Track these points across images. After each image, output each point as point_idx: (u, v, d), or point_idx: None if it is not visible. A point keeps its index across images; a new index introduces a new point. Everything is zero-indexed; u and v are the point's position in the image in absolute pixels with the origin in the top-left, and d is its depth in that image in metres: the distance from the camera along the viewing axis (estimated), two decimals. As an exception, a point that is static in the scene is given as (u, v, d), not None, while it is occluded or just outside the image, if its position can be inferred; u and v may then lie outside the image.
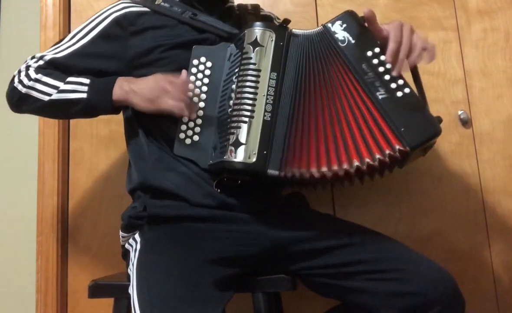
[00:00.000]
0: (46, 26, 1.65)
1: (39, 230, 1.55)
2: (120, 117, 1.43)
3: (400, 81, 1.02)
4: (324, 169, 0.99)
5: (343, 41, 1.06)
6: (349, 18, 1.08)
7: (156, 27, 1.17)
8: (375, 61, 1.04)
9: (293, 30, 1.10)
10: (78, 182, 1.59)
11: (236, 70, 1.08)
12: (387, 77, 1.02)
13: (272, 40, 1.06)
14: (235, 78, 1.07)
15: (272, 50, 1.06)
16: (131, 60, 1.16)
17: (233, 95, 1.07)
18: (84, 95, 1.11)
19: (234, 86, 1.07)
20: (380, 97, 1.01)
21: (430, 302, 0.97)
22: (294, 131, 1.04)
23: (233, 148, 1.01)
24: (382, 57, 1.04)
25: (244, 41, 1.07)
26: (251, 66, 1.05)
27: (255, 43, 1.06)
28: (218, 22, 1.19)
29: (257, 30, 1.07)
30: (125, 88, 1.10)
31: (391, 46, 1.03)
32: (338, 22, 1.08)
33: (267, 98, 1.03)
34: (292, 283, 1.08)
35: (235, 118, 1.03)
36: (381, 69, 1.03)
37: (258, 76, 1.04)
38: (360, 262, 1.03)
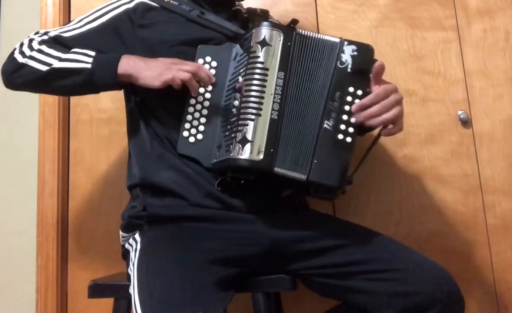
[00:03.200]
0: (46, 26, 1.64)
1: (39, 230, 1.55)
2: (120, 117, 1.43)
3: (350, 129, 1.05)
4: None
5: (342, 63, 1.07)
6: (364, 51, 1.09)
7: (163, 23, 1.18)
8: (349, 98, 1.06)
9: (306, 31, 1.09)
10: (78, 182, 1.59)
11: (242, 70, 1.08)
12: (344, 117, 1.06)
13: (280, 39, 1.06)
14: (242, 77, 1.07)
15: (280, 49, 1.06)
16: (136, 53, 1.15)
17: (237, 93, 1.07)
18: (88, 65, 1.09)
19: (238, 85, 1.07)
20: (324, 125, 1.05)
21: (430, 302, 0.98)
22: (301, 131, 1.05)
23: (240, 145, 1.01)
24: (356, 101, 1.06)
25: (252, 40, 1.07)
26: (259, 65, 1.05)
27: (263, 43, 1.06)
28: (225, 22, 1.20)
29: (265, 29, 1.07)
30: (132, 62, 1.08)
31: (364, 101, 1.05)
32: (353, 47, 1.08)
33: (274, 97, 1.03)
34: (292, 283, 1.08)
35: (242, 116, 1.03)
36: (346, 107, 1.06)
37: (265, 75, 1.04)
38: (360, 262, 1.03)
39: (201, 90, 1.11)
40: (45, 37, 1.16)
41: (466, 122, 1.56)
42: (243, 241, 1.06)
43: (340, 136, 1.05)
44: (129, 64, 1.08)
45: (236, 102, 1.07)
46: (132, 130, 1.22)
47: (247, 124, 1.02)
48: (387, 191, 1.54)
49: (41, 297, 1.51)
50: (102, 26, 1.19)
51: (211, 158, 1.10)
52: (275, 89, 1.04)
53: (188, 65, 1.07)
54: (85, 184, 1.58)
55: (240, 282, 1.06)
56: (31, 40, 1.16)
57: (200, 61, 1.13)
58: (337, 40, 1.09)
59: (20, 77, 1.13)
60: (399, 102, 1.06)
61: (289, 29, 1.08)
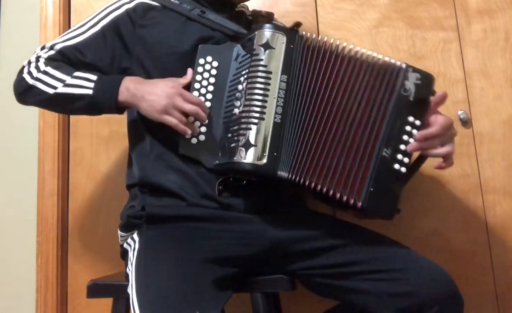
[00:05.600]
0: (46, 26, 1.65)
1: (39, 230, 1.55)
2: (120, 117, 1.42)
3: (406, 160, 1.04)
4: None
5: (406, 91, 1.06)
6: (427, 81, 1.08)
7: (164, 23, 1.18)
8: (408, 128, 1.05)
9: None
10: (78, 182, 1.59)
11: (244, 71, 1.07)
12: (402, 147, 1.04)
13: (283, 42, 1.05)
14: (244, 79, 1.06)
15: (283, 52, 1.05)
16: (137, 54, 1.17)
17: (239, 95, 1.06)
18: (90, 91, 1.11)
19: (240, 86, 1.07)
20: (383, 153, 1.03)
21: (429, 302, 0.97)
22: (306, 136, 1.04)
23: (243, 149, 1.01)
24: (414, 131, 1.05)
25: (254, 42, 1.07)
26: (261, 68, 1.04)
27: (266, 45, 1.05)
28: (226, 21, 1.19)
29: (267, 32, 1.06)
30: (132, 90, 1.09)
31: (427, 133, 1.04)
32: (417, 75, 1.07)
33: (277, 101, 1.03)
34: (290, 283, 1.08)
35: (245, 120, 1.03)
36: (405, 137, 1.05)
37: (269, 78, 1.04)
38: (359, 262, 1.03)
39: (203, 90, 1.11)
40: (51, 53, 1.18)
41: (466, 122, 1.55)
42: (242, 241, 1.06)
43: (397, 166, 1.04)
44: (128, 92, 1.09)
45: (238, 103, 1.06)
46: (132, 130, 1.22)
47: (250, 128, 1.02)
48: (387, 191, 1.53)
49: (41, 297, 1.52)
50: (104, 29, 1.19)
51: (213, 159, 1.09)
52: (278, 92, 1.03)
53: (186, 105, 1.06)
54: (85, 184, 1.59)
55: (238, 282, 1.06)
56: (38, 58, 1.18)
57: (201, 61, 1.13)
58: (403, 65, 1.07)
59: (29, 97, 1.17)
60: (452, 139, 1.07)
61: (292, 31, 1.08)
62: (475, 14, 1.62)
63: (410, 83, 1.06)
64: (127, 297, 0.96)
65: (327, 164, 1.04)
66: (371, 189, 1.02)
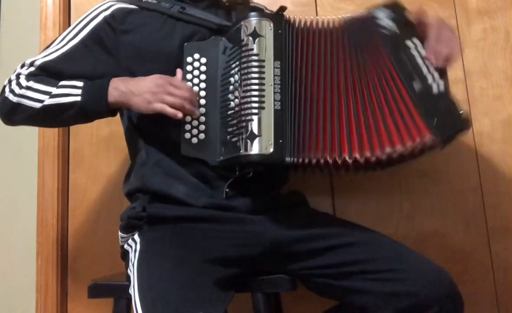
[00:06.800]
0: (46, 26, 1.65)
1: (39, 230, 1.55)
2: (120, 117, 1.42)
3: (436, 76, 1.02)
4: (356, 154, 0.99)
5: (384, 28, 1.07)
6: (397, 7, 1.09)
7: (145, 25, 1.16)
8: (415, 53, 1.04)
9: (316, 18, 1.13)
10: (78, 182, 1.59)
11: (234, 63, 1.07)
12: (424, 70, 1.03)
13: (271, 29, 1.05)
14: (236, 71, 1.06)
15: (272, 39, 1.05)
16: (123, 60, 1.15)
17: (232, 87, 1.06)
18: (78, 98, 1.08)
19: (232, 79, 1.06)
20: (415, 88, 1.01)
21: (428, 302, 0.97)
22: (307, 117, 1.04)
23: (248, 141, 1.00)
24: (422, 51, 1.04)
25: (241, 33, 1.06)
26: (254, 58, 1.04)
27: (255, 34, 1.05)
28: (207, 15, 1.18)
29: (254, 20, 1.06)
30: (121, 88, 1.07)
31: (430, 46, 1.04)
32: (385, 10, 1.09)
33: (274, 87, 1.03)
34: (291, 283, 1.08)
35: (245, 112, 1.02)
36: (419, 61, 1.04)
37: (262, 66, 1.03)
38: (359, 262, 1.03)
39: (195, 88, 1.10)
40: (32, 69, 1.15)
41: (466, 122, 1.55)
42: (243, 241, 1.06)
43: (435, 88, 1.02)
44: (117, 92, 1.07)
45: (233, 96, 1.06)
46: (128, 139, 1.22)
47: (252, 119, 1.01)
48: (387, 191, 1.54)
49: (41, 297, 1.52)
50: (84, 40, 1.16)
51: (216, 156, 1.09)
52: (274, 79, 1.03)
53: (177, 90, 1.05)
54: (85, 184, 1.59)
55: (240, 282, 1.06)
56: (18, 76, 1.15)
57: (189, 59, 1.11)
58: (366, 13, 1.10)
59: (16, 115, 1.14)
60: (451, 35, 1.07)
61: (277, 16, 1.07)
62: (475, 14, 1.62)
63: (384, 21, 1.07)
64: (128, 297, 0.96)
65: (345, 130, 1.02)
66: (436, 120, 0.97)
